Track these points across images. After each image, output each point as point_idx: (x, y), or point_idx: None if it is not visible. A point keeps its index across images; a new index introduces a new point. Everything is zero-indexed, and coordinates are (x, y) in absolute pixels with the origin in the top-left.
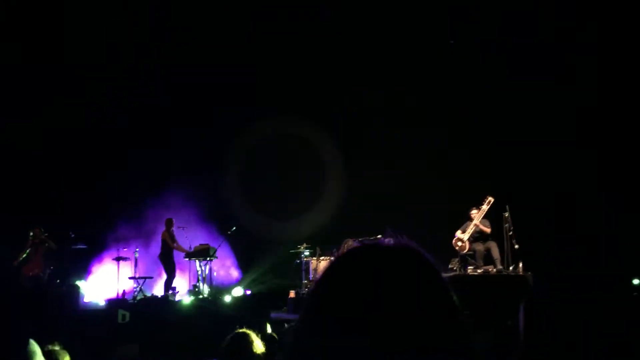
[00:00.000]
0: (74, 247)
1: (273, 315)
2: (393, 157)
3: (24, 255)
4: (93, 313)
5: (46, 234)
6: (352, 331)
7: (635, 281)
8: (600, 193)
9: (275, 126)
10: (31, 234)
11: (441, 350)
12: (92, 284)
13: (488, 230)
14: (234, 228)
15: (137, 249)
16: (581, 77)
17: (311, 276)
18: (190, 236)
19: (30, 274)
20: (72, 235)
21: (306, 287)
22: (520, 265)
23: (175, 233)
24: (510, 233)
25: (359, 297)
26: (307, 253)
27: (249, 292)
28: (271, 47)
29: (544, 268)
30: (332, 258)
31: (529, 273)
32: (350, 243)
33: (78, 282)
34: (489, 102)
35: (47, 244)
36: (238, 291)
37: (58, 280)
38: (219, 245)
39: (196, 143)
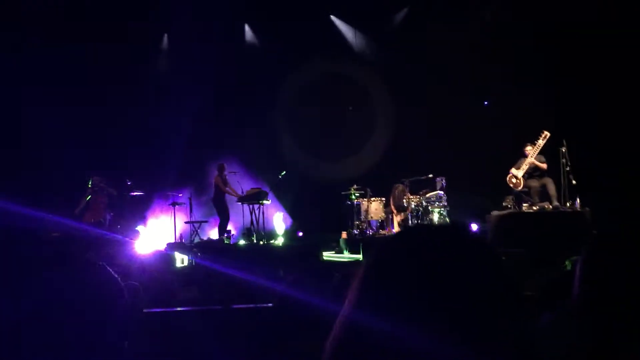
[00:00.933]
0: (131, 193)
1: (324, 255)
2: (444, 94)
3: (85, 204)
4: (153, 257)
5: (105, 182)
6: (407, 308)
7: None
8: None
9: (322, 65)
10: (90, 182)
11: (491, 330)
12: (151, 229)
13: (544, 166)
14: (284, 173)
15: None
16: None
17: (362, 217)
18: (241, 181)
19: (92, 220)
20: (129, 183)
21: (357, 228)
22: (578, 201)
23: (227, 178)
24: (568, 168)
25: (413, 275)
26: (357, 194)
27: (300, 234)
28: None
29: (603, 204)
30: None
31: (587, 209)
32: (400, 188)
33: (137, 228)
34: (545, 33)
35: (106, 192)
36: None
37: (119, 227)
38: (271, 189)
39: (244, 88)
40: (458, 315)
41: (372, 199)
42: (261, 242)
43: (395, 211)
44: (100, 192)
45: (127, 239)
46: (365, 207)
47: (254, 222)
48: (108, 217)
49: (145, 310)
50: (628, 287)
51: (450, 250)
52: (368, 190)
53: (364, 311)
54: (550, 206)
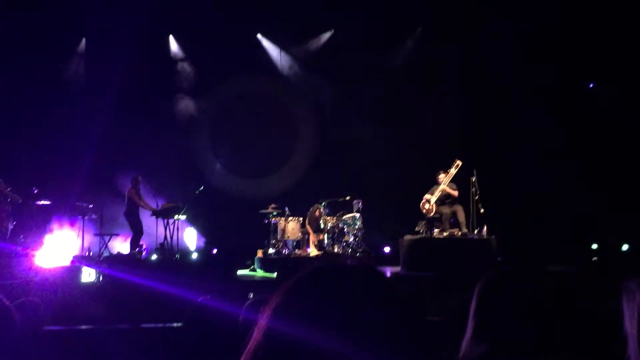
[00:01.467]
0: (37, 202)
1: (239, 272)
2: (362, 120)
3: None
4: (57, 271)
5: (9, 188)
6: (316, 339)
7: (594, 246)
8: (563, 159)
9: (245, 83)
10: None
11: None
12: (56, 241)
13: (455, 193)
14: (202, 188)
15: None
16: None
17: (278, 236)
18: (156, 195)
19: None
20: (35, 191)
21: (273, 247)
22: (485, 229)
23: (141, 191)
24: (477, 197)
25: (329, 297)
26: (275, 213)
27: (215, 251)
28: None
29: (508, 232)
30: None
31: (493, 237)
32: (318, 209)
33: (42, 239)
34: (461, 66)
35: (9, 198)
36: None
37: (21, 237)
38: (186, 206)
39: (162, 101)
40: (361, 329)
41: (290, 218)
42: (176, 256)
43: (311, 232)
44: (2, 198)
45: (29, 250)
46: (282, 226)
47: (168, 238)
48: (10, 226)
49: (46, 328)
50: (521, 316)
51: (360, 284)
52: (286, 209)
53: (285, 319)
54: (459, 233)
